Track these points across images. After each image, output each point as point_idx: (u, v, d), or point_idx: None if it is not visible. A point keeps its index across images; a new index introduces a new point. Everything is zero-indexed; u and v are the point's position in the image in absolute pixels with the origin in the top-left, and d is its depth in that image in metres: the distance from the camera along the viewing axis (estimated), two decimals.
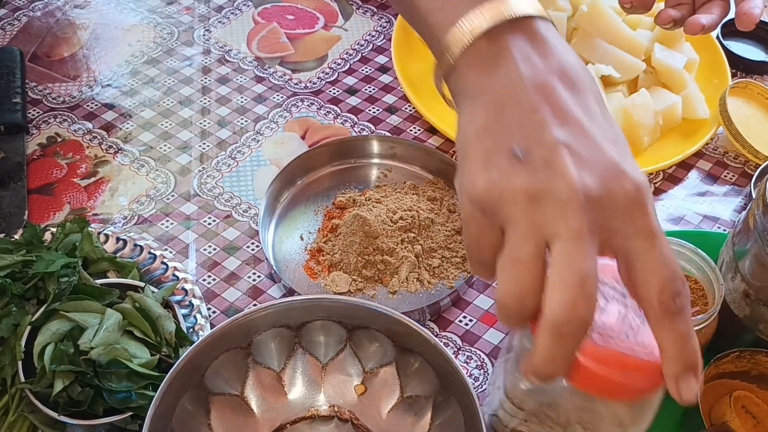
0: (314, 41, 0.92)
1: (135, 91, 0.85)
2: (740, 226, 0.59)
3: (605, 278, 0.42)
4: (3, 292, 0.59)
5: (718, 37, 0.93)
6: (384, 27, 0.95)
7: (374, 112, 0.84)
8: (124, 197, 0.74)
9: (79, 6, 0.95)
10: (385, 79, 0.88)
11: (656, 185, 0.79)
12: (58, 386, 0.53)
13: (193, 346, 0.52)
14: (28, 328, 0.56)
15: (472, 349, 0.64)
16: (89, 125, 0.81)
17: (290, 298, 0.56)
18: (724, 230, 0.75)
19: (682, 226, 0.75)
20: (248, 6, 0.96)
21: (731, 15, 0.96)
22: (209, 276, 0.68)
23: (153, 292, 0.60)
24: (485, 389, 0.56)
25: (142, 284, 0.61)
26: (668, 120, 0.82)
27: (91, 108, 0.83)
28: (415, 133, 0.82)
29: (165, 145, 0.79)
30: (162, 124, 0.81)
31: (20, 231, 0.67)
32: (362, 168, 0.77)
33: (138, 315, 0.57)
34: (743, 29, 0.73)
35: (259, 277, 0.68)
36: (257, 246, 0.70)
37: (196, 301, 0.64)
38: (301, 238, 0.71)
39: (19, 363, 0.55)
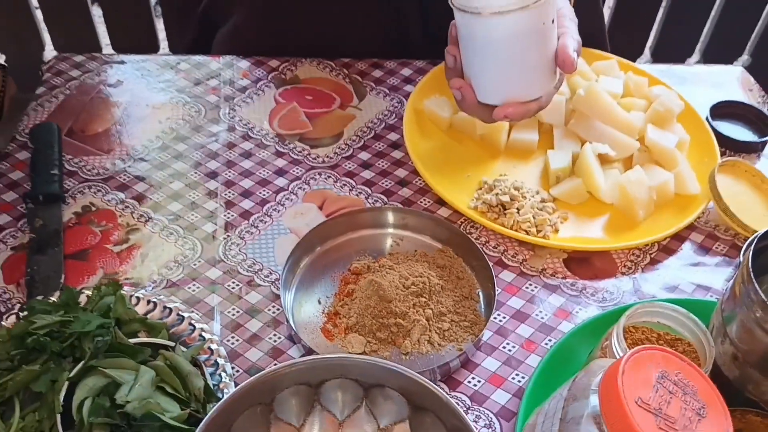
0: (331, 119, 0.99)
1: (165, 165, 0.90)
2: (728, 294, 0.63)
3: (670, 373, 0.50)
4: (42, 350, 0.63)
5: (707, 119, 0.98)
6: (396, 107, 1.01)
7: (387, 185, 0.90)
8: (154, 263, 0.79)
9: (112, 85, 1.02)
10: (397, 154, 0.94)
11: (652, 256, 0.84)
12: None
13: (222, 401, 0.55)
14: (66, 383, 0.60)
15: (481, 408, 0.68)
16: (122, 195, 0.86)
17: (313, 357, 0.59)
18: (716, 298, 0.79)
19: (677, 294, 0.80)
20: (270, 87, 1.03)
21: (719, 98, 1.03)
22: (233, 337, 0.72)
23: (182, 351, 0.64)
24: None
25: (172, 344, 0.65)
26: (662, 195, 0.87)
27: (124, 180, 0.88)
28: (425, 204, 0.87)
29: (192, 215, 0.84)
30: (189, 195, 0.87)
31: (57, 293, 0.71)
32: (376, 237, 0.81)
33: (170, 372, 0.61)
34: (566, 71, 0.77)
35: (279, 338, 0.73)
36: (278, 309, 0.75)
37: (221, 361, 0.68)
38: (319, 302, 0.75)
39: (58, 416, 0.59)
